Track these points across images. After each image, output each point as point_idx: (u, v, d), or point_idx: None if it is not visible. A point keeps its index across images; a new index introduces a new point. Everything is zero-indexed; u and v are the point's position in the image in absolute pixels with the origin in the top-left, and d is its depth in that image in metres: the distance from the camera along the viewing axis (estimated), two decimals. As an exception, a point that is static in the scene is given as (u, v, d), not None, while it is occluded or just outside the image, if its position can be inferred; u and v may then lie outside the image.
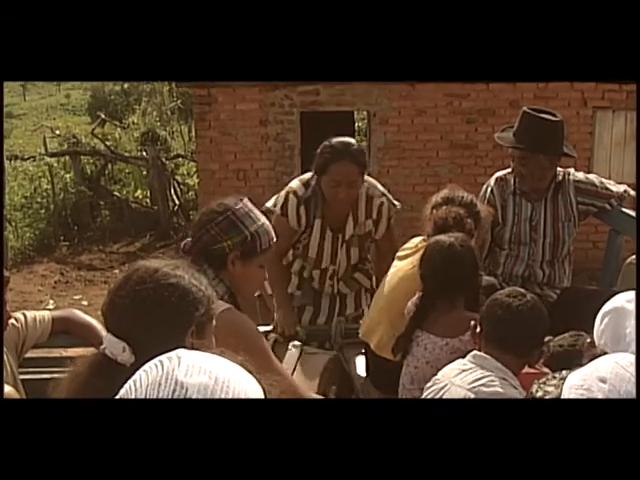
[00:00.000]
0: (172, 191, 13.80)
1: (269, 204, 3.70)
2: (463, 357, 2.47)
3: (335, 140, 3.56)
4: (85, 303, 9.62)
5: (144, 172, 14.67)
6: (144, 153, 14.67)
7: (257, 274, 2.54)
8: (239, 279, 2.44)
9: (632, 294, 2.10)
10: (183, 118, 19.03)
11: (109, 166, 15.24)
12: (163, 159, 14.14)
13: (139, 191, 15.14)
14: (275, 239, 2.58)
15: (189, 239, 2.49)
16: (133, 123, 18.18)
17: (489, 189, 3.78)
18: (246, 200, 2.52)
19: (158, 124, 17.88)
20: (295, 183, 3.73)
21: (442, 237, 2.87)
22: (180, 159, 16.06)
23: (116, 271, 11.26)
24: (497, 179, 3.78)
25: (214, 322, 1.83)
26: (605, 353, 1.82)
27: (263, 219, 2.52)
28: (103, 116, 17.37)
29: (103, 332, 2.79)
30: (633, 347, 1.97)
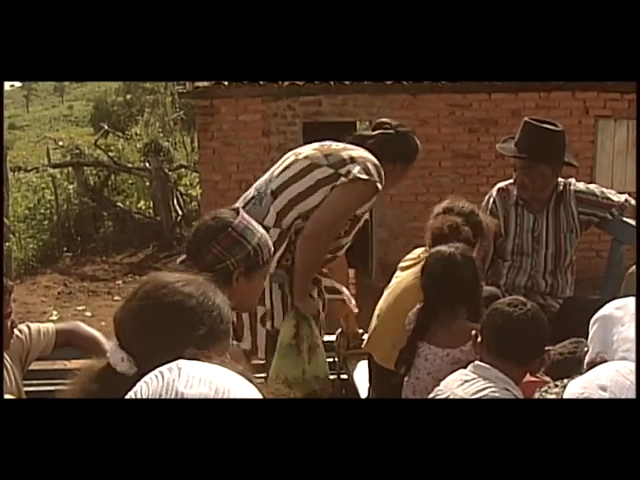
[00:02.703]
0: (175, 202, 13.85)
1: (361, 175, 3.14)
2: (465, 368, 2.48)
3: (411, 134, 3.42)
4: (88, 314, 9.64)
5: (147, 183, 14.73)
6: (147, 164, 14.74)
7: (260, 287, 2.50)
8: (242, 294, 2.36)
9: (622, 301, 2.12)
10: (186, 129, 19.10)
11: (112, 177, 15.30)
12: (166, 170, 14.19)
13: (142, 202, 15.19)
14: (273, 249, 2.52)
15: (184, 257, 2.40)
16: (136, 134, 18.26)
17: (491, 200, 3.78)
18: (242, 211, 2.45)
19: (161, 135, 17.95)
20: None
21: (443, 247, 2.88)
22: (183, 170, 16.12)
23: (119, 282, 11.28)
24: (499, 190, 3.79)
25: (231, 342, 1.83)
26: (605, 361, 1.83)
27: (261, 229, 2.46)
28: (106, 127, 17.46)
29: (107, 345, 2.82)
30: (620, 354, 1.99)
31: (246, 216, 2.45)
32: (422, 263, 2.95)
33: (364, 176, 3.10)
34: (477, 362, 2.43)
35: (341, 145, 3.23)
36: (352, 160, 3.14)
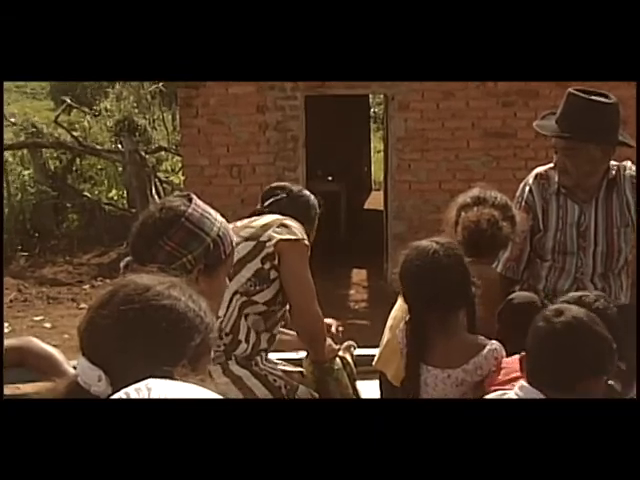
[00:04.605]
0: (153, 191, 13.82)
1: None
2: (478, 390, 2.47)
3: None
4: (48, 325, 9.64)
5: (119, 168, 14.74)
6: (119, 145, 14.74)
7: (223, 285, 2.48)
8: (204, 296, 2.12)
9: None
10: (166, 104, 19.06)
11: (77, 161, 15.30)
12: (142, 153, 14.17)
13: (114, 191, 15.20)
14: (235, 239, 2.51)
15: (129, 259, 2.35)
16: (106, 110, 18.19)
17: (527, 188, 3.76)
18: (195, 198, 2.43)
19: (136, 111, 17.91)
20: None
21: (422, 243, 2.85)
22: (163, 153, 16.12)
23: (86, 287, 11.28)
24: (537, 176, 3.77)
25: (212, 354, 1.83)
26: None
27: (219, 217, 2.44)
28: (69, 101, 17.37)
29: (65, 365, 2.81)
30: None
31: (200, 202, 2.42)
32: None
33: (292, 236, 3.23)
34: (522, 382, 2.40)
35: (245, 220, 3.36)
36: (267, 226, 3.27)
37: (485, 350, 2.78)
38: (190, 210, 2.36)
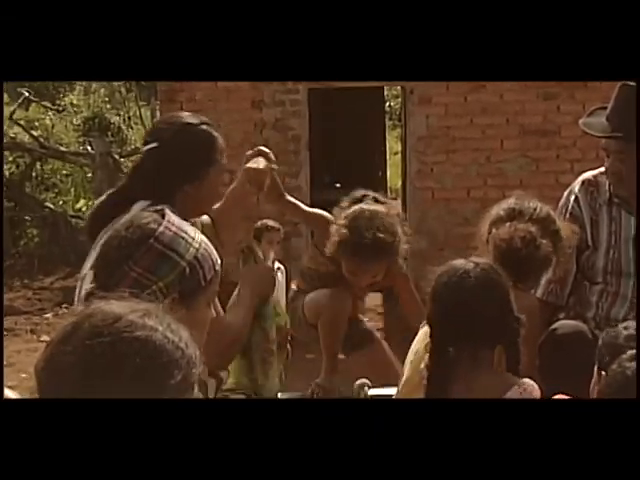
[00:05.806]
0: (128, 201, 13.84)
1: None
2: None
3: None
4: (3, 362, 9.63)
5: (88, 174, 14.74)
6: (88, 147, 14.75)
7: (205, 317, 2.41)
8: None
9: None
10: (143, 98, 19.13)
11: (37, 166, 15.30)
12: (116, 156, 14.19)
13: (82, 201, 15.21)
14: (220, 262, 2.45)
15: (92, 286, 2.32)
16: (72, 105, 18.28)
17: (573, 197, 3.76)
18: (168, 213, 2.40)
19: (108, 106, 17.98)
20: None
21: (456, 261, 2.83)
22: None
23: (48, 315, 11.28)
24: (584, 182, 3.77)
25: (195, 390, 1.83)
26: None
27: (199, 236, 2.40)
28: (27, 94, 17.41)
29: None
30: None
31: (175, 219, 2.40)
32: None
33: None
34: None
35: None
36: None
37: (511, 391, 2.74)
38: (161, 229, 2.34)
